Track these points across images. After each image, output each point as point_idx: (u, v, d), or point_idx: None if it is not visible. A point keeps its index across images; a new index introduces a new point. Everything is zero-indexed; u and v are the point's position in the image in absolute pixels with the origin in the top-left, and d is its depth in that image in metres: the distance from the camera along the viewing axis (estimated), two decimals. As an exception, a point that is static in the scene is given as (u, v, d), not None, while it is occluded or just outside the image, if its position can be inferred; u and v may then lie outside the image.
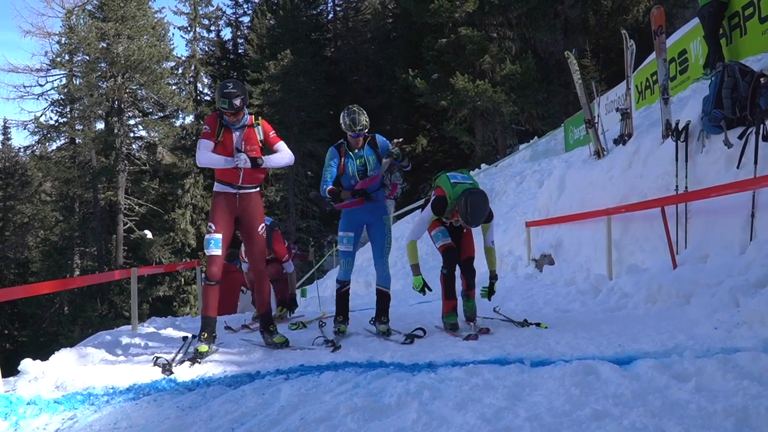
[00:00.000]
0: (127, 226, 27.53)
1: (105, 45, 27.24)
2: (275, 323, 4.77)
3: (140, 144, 29.77)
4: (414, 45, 25.51)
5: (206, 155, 4.31)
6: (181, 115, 31.23)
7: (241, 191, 4.42)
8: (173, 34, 46.82)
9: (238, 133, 4.36)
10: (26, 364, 3.81)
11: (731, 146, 4.86)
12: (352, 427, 2.62)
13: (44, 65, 27.47)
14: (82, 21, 27.46)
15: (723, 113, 5.03)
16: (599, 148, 8.08)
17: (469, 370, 3.31)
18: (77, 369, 3.87)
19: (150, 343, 4.75)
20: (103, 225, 27.97)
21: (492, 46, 22.93)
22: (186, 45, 35.13)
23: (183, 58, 33.47)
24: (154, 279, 26.78)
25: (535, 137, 20.58)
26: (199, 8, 34.25)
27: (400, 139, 4.95)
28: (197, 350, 4.14)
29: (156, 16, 30.18)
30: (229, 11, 36.34)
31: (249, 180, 4.42)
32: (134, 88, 28.62)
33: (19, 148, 32.01)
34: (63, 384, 3.52)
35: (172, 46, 31.33)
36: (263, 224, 4.61)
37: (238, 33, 36.23)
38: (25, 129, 27.56)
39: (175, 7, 50.95)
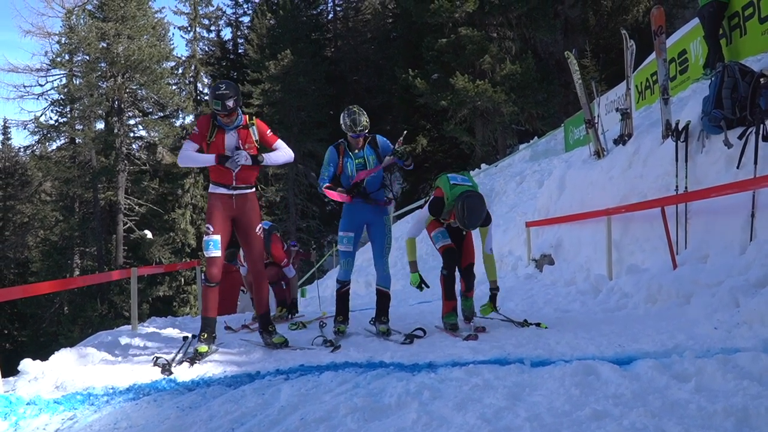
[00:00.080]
0: (127, 226, 27.52)
1: (105, 45, 27.24)
2: (274, 323, 4.77)
3: (140, 144, 29.75)
4: (414, 45, 25.51)
5: (185, 153, 4.33)
6: (181, 115, 31.29)
7: (237, 192, 4.41)
8: (173, 34, 46.81)
9: (231, 134, 4.34)
10: (26, 364, 3.81)
11: (731, 146, 4.86)
12: (352, 427, 2.62)
13: (44, 65, 27.52)
14: (82, 21, 27.46)
15: (723, 113, 5.03)
16: (599, 148, 8.08)
17: (469, 371, 3.31)
18: (77, 369, 3.87)
19: (150, 343, 4.75)
20: (103, 225, 27.97)
21: (492, 46, 22.92)
22: (186, 45, 35.20)
23: (183, 58, 33.51)
24: (154, 279, 26.78)
25: (535, 137, 20.57)
26: (199, 8, 34.28)
27: (404, 133, 4.97)
28: (197, 350, 4.14)
29: (156, 16, 30.20)
30: (229, 11, 36.41)
31: (243, 180, 4.41)
32: (134, 88, 28.62)
33: (19, 148, 32.08)
34: (63, 384, 3.52)
35: (172, 46, 31.38)
36: (260, 225, 4.61)
37: (238, 33, 36.27)
38: (25, 129, 27.62)
39: (175, 7, 50.94)
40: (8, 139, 35.27)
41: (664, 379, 2.91)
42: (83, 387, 3.46)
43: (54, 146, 29.11)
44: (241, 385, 3.36)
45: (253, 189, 4.58)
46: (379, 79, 30.94)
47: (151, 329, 5.65)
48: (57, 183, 28.48)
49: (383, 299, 4.93)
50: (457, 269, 4.99)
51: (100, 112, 28.25)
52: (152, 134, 29.11)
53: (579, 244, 7.45)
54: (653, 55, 8.15)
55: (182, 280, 27.89)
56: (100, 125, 28.73)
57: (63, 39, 27.36)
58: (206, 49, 35.56)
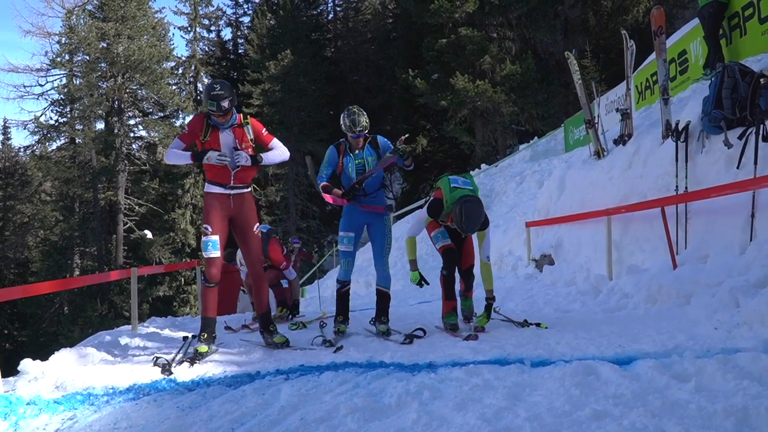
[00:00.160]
0: (127, 226, 27.52)
1: (105, 45, 27.24)
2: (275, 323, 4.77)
3: (140, 144, 29.75)
4: (414, 45, 25.52)
5: (171, 151, 4.34)
6: (181, 115, 31.22)
7: (234, 192, 4.40)
8: (173, 34, 46.88)
9: (227, 133, 4.33)
10: (26, 364, 3.81)
11: (731, 146, 4.86)
12: (352, 428, 2.62)
13: (44, 65, 27.51)
14: (82, 21, 27.46)
15: (723, 114, 5.03)
16: (599, 149, 8.08)
17: (469, 371, 3.31)
18: (77, 369, 3.87)
19: (150, 343, 4.75)
20: (103, 225, 27.97)
21: (492, 47, 22.93)
22: (186, 45, 35.25)
23: (183, 58, 33.54)
24: (154, 279, 26.77)
25: (535, 137, 20.58)
26: (200, 8, 34.32)
27: (406, 135, 4.97)
28: (197, 351, 4.14)
29: (156, 16, 30.21)
30: (229, 11, 36.48)
31: (240, 180, 4.40)
32: (134, 88, 28.62)
33: (19, 148, 32.09)
34: (63, 384, 3.52)
35: (172, 46, 31.39)
36: (258, 224, 4.60)
37: (239, 33, 36.32)
38: (25, 129, 27.60)
39: (175, 7, 51.03)
40: (8, 139, 35.39)
41: (664, 379, 2.91)
42: (83, 387, 3.46)
43: (54, 146, 29.16)
44: (241, 385, 3.36)
45: (250, 188, 4.57)
46: (379, 79, 30.96)
47: (151, 329, 5.65)
48: (57, 183, 28.48)
49: (383, 299, 4.92)
50: (456, 270, 4.99)
51: (100, 112, 28.25)
52: (152, 134, 29.10)
53: (579, 244, 7.45)
54: (653, 56, 8.15)
55: (182, 280, 27.89)
56: (100, 125, 28.75)
57: (63, 39, 27.36)
58: (206, 49, 35.61)
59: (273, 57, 28.16)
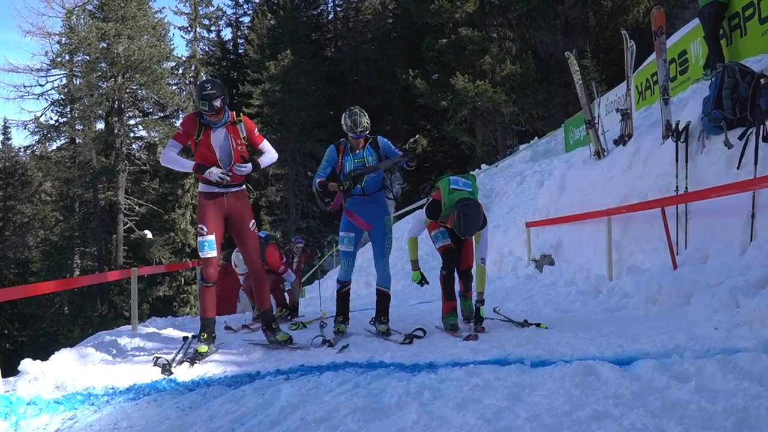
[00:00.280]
0: (127, 226, 27.52)
1: (105, 45, 27.24)
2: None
3: (140, 144, 29.76)
4: (414, 45, 25.53)
5: (168, 154, 4.30)
6: (181, 115, 31.19)
7: (228, 191, 4.39)
8: (173, 34, 46.90)
9: (219, 131, 4.31)
10: (26, 364, 3.81)
11: (731, 147, 4.86)
12: (352, 428, 2.62)
13: (44, 65, 27.50)
14: (82, 21, 27.46)
15: (723, 114, 5.03)
16: (599, 149, 8.08)
17: (469, 371, 3.31)
18: (77, 369, 3.87)
19: (150, 344, 4.75)
20: (103, 225, 27.97)
21: (492, 47, 22.93)
22: (186, 45, 35.28)
23: (183, 58, 33.54)
24: (154, 279, 26.78)
25: (536, 138, 20.58)
26: (200, 8, 34.33)
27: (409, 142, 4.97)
28: (197, 351, 4.14)
29: (156, 16, 30.21)
30: (229, 11, 36.51)
31: (235, 179, 4.39)
32: (134, 88, 28.62)
33: (19, 148, 32.11)
34: (63, 384, 3.52)
35: (172, 46, 31.39)
36: (253, 220, 4.58)
37: (239, 33, 36.33)
38: (25, 129, 27.60)
39: (176, 7, 51.05)
40: (8, 139, 35.41)
41: (665, 379, 2.91)
42: (83, 387, 3.46)
43: (54, 146, 29.16)
44: (241, 385, 3.36)
45: (244, 187, 4.56)
46: (379, 79, 30.97)
47: (151, 329, 5.65)
48: (57, 183, 28.48)
49: (383, 299, 4.93)
50: (456, 270, 4.99)
51: (100, 112, 28.26)
52: (152, 134, 29.10)
53: (579, 244, 7.45)
54: (653, 56, 8.15)
55: (182, 280, 27.89)
56: (100, 125, 28.76)
57: (63, 39, 27.36)
58: (206, 49, 35.62)
59: (273, 57, 28.17)
